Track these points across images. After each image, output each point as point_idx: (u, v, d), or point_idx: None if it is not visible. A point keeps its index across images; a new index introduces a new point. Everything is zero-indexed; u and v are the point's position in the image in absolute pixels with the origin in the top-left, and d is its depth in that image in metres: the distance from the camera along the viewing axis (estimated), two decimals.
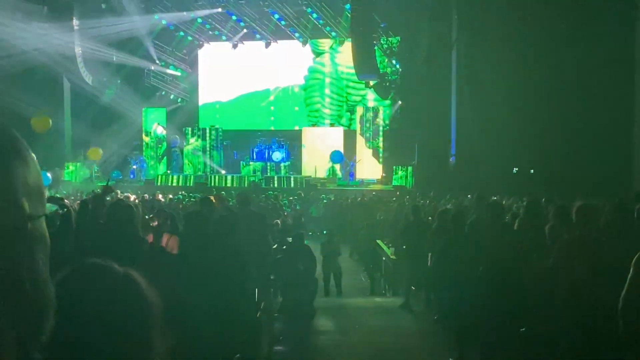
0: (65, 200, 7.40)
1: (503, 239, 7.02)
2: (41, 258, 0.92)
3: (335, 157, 29.43)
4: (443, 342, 8.22)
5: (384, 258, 13.77)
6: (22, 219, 0.87)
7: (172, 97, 34.31)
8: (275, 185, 28.06)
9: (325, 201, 24.07)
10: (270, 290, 8.81)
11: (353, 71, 29.49)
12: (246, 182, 28.34)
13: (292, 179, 28.76)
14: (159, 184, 29.28)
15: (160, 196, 20.73)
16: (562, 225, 6.28)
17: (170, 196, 21.27)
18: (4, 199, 0.85)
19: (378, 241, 14.93)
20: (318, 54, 33.75)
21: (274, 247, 10.23)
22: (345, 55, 31.59)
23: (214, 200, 8.62)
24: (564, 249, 5.57)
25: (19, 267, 0.87)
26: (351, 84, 32.89)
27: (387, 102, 31.06)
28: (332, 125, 32.77)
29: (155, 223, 8.15)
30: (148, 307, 1.44)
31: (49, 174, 23.90)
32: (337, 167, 30.23)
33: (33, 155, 0.93)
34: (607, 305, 5.20)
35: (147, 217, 8.43)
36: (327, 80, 33.83)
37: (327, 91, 33.91)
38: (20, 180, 0.88)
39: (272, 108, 34.62)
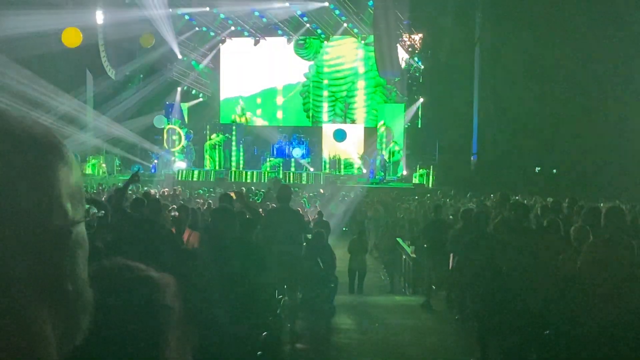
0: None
1: (527, 239, 6.93)
2: (82, 262, 0.90)
3: (338, 135, 29.27)
4: (464, 343, 8.15)
5: (404, 256, 13.70)
6: (66, 223, 0.84)
7: (193, 92, 34.41)
8: (295, 181, 28.05)
9: (346, 198, 24.01)
10: (297, 287, 8.79)
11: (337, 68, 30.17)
12: (266, 178, 28.38)
13: (312, 175, 28.73)
14: (179, 178, 29.39)
15: (179, 191, 20.81)
16: (589, 227, 6.18)
17: (201, 193, 21.38)
18: (48, 202, 0.82)
19: (398, 239, 14.86)
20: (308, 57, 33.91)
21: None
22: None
23: (233, 197, 8.58)
24: (592, 251, 5.48)
25: (62, 271, 0.85)
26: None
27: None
28: (352, 122, 32.67)
29: (176, 214, 8.18)
30: (166, 311, 1.41)
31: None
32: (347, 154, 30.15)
33: (72, 155, 0.90)
34: (635, 310, 5.11)
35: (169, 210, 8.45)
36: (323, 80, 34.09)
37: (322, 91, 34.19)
38: (64, 182, 0.85)
39: (293, 104, 34.58)
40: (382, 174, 28.73)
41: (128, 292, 1.38)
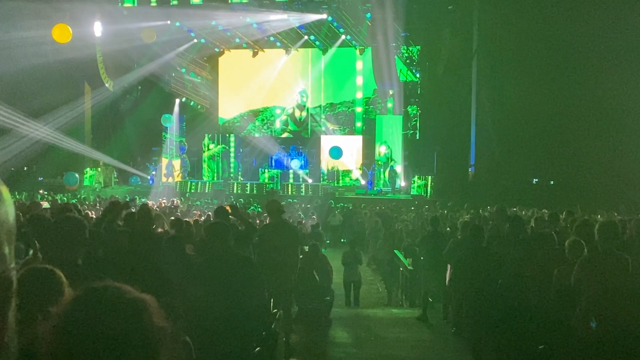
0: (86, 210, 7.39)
1: (522, 253, 6.91)
2: (14, 308, 0.83)
3: (334, 153, 29.29)
4: (460, 356, 8.11)
5: (401, 268, 13.65)
6: (5, 270, 0.78)
7: (192, 103, 34.44)
8: (293, 192, 28.07)
9: (344, 210, 23.98)
10: (292, 301, 8.76)
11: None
12: (264, 189, 28.41)
13: (310, 186, 28.71)
14: (178, 190, 29.40)
15: (178, 202, 20.81)
16: (583, 241, 6.16)
17: (199, 205, 21.28)
18: None
19: (396, 251, 14.82)
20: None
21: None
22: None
23: (229, 210, 8.56)
24: (586, 266, 5.46)
25: (2, 324, 0.79)
26: None
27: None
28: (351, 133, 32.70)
29: (160, 230, 8.16)
30: (157, 334, 1.39)
31: (77, 175, 24.10)
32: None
33: (5, 187, 0.81)
34: (630, 326, 5.08)
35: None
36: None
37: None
38: (2, 223, 0.77)
39: (291, 116, 34.55)
40: (391, 186, 28.81)
41: (119, 316, 1.36)
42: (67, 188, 24.79)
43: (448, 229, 12.71)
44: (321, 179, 30.43)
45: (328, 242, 19.81)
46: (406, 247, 14.15)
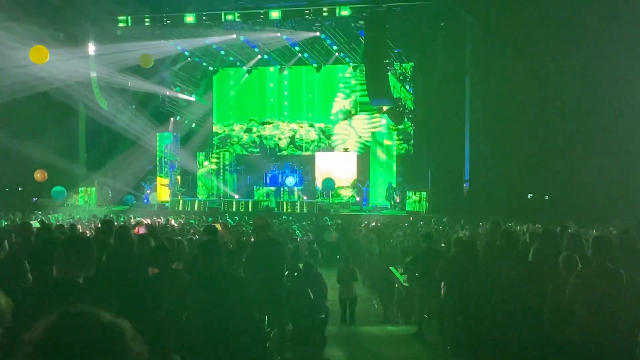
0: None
1: (516, 268, 6.88)
2: None
3: (327, 184, 29.38)
4: None
5: (396, 285, 13.60)
6: None
7: (186, 122, 34.46)
8: (289, 210, 28.02)
9: (339, 227, 23.91)
10: (284, 319, 8.69)
11: None
12: (259, 206, 28.35)
13: (305, 204, 28.67)
14: (175, 208, 29.31)
15: (172, 221, 20.73)
16: (576, 256, 6.15)
17: (193, 223, 21.23)
18: None
19: (391, 267, 14.76)
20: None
21: (286, 273, 10.09)
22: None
23: (219, 228, 8.53)
24: (580, 281, 5.43)
25: None
26: None
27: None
28: (345, 150, 32.71)
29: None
30: (133, 356, 1.37)
31: (64, 189, 24.02)
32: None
33: None
34: (627, 340, 5.06)
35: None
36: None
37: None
38: None
39: (286, 132, 34.60)
40: (390, 202, 28.85)
41: (95, 342, 1.34)
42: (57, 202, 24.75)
43: (443, 244, 12.67)
44: (316, 196, 30.40)
45: (323, 259, 19.75)
46: (408, 263, 14.04)
